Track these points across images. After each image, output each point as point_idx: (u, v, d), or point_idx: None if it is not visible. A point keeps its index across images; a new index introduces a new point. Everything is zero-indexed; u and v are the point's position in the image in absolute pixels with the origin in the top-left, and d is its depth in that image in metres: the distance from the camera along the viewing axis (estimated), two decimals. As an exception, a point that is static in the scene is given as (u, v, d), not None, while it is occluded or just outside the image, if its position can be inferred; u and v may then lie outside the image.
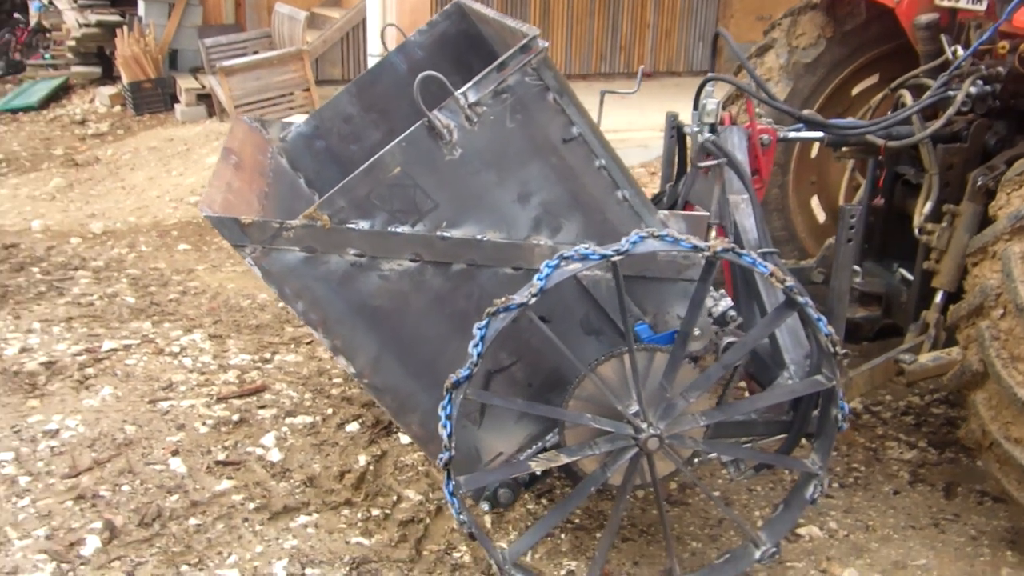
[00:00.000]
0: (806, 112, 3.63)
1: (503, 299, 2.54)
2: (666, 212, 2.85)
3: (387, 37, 3.79)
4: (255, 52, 9.20)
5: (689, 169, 3.82)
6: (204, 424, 3.97)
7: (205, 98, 9.56)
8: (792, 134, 3.62)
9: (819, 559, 3.26)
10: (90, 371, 4.40)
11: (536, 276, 2.55)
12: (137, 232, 6.71)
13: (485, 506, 2.90)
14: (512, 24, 2.85)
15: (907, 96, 3.63)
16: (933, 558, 3.30)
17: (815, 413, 2.99)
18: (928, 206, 3.62)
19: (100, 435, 3.85)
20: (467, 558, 3.18)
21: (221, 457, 3.72)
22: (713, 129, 3.49)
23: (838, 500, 3.62)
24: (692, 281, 2.83)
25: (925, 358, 3.41)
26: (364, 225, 2.55)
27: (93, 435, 3.84)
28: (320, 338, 2.67)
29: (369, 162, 2.52)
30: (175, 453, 3.74)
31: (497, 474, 2.76)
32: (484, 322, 2.54)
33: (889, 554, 3.32)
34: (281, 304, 5.37)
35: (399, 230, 2.58)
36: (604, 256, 2.56)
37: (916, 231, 3.64)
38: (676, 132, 3.87)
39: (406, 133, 2.51)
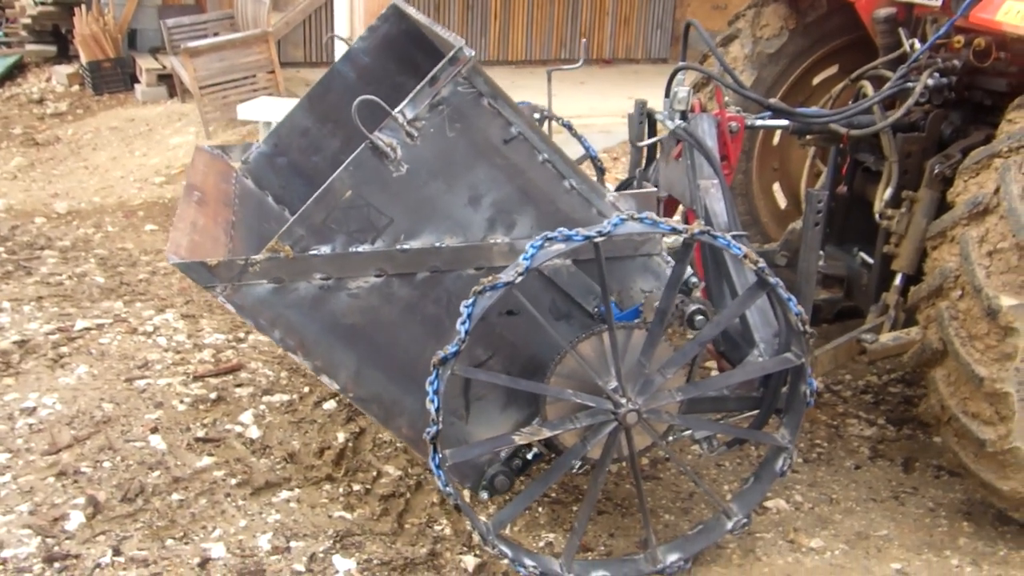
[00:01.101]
0: (773, 101, 3.76)
1: (490, 278, 2.63)
2: (615, 194, 2.94)
3: (338, 47, 3.87)
4: (215, 34, 9.14)
5: (659, 155, 3.94)
6: (182, 402, 4.00)
7: (166, 78, 9.47)
8: (759, 122, 3.74)
9: (786, 530, 3.40)
10: (64, 350, 4.40)
11: (522, 256, 2.64)
12: (103, 212, 6.67)
13: (484, 495, 3.02)
14: (441, 33, 2.93)
15: (868, 87, 3.78)
16: (894, 529, 3.47)
17: (784, 390, 3.13)
18: (888, 192, 3.78)
19: (78, 413, 3.86)
20: (448, 531, 3.27)
21: (200, 434, 3.76)
22: (684, 116, 3.61)
23: (803, 475, 3.78)
24: (649, 256, 2.95)
25: (886, 338, 3.57)
26: (325, 249, 2.65)
27: (71, 413, 3.86)
28: (300, 361, 2.77)
29: (321, 190, 2.61)
30: (154, 430, 3.77)
31: (481, 447, 2.85)
32: (471, 300, 2.63)
33: (852, 525, 3.47)
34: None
35: (360, 249, 2.68)
36: (587, 237, 2.66)
37: (876, 216, 3.80)
38: (647, 119, 3.98)
39: (352, 157, 2.60)
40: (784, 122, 3.77)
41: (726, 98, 3.64)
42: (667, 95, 3.63)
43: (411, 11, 3.53)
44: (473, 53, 2.59)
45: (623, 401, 2.83)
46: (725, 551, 3.24)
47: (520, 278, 2.62)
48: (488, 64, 11.24)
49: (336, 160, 3.70)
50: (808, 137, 3.91)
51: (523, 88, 9.80)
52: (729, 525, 3.10)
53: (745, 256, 2.79)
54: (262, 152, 3.77)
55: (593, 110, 8.13)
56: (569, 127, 4.63)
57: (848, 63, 4.52)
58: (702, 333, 2.95)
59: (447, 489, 2.72)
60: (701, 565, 3.14)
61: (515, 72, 10.63)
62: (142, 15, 10.34)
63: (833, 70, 4.72)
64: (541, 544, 3.24)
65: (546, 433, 2.84)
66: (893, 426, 4.19)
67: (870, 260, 4.00)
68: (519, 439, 2.81)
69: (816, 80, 4.74)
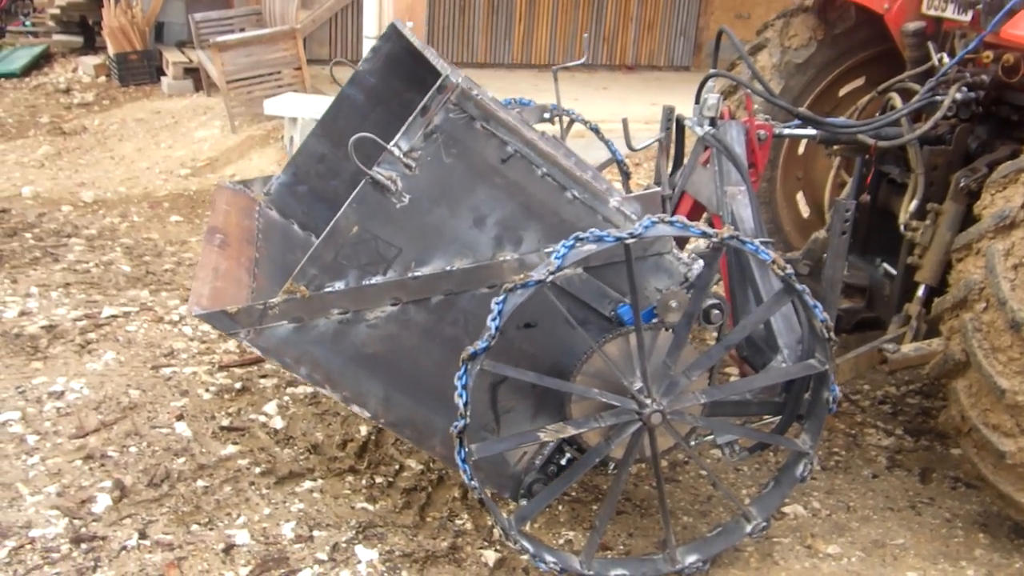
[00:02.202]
0: (802, 110, 3.79)
1: (521, 276, 2.67)
2: (619, 198, 2.95)
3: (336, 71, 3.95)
4: (242, 29, 9.21)
5: (687, 160, 3.98)
6: (207, 391, 4.05)
7: (192, 72, 9.55)
8: (787, 130, 3.77)
9: (804, 536, 3.43)
10: (91, 336, 4.46)
11: (553, 255, 2.68)
12: (128, 202, 6.74)
13: (524, 502, 3.06)
14: (431, 59, 2.97)
15: (897, 99, 3.80)
16: (910, 538, 3.49)
17: (806, 396, 3.15)
18: (913, 204, 3.80)
19: (105, 398, 3.92)
20: (469, 525, 3.31)
21: (225, 423, 3.81)
22: (713, 123, 3.65)
23: (820, 482, 3.80)
24: (660, 255, 2.96)
25: (907, 348, 3.59)
26: (340, 285, 2.71)
27: (98, 398, 3.92)
28: (329, 393, 2.83)
29: (328, 229, 2.68)
30: (180, 418, 3.82)
31: (507, 443, 2.89)
32: (502, 297, 2.66)
33: (869, 533, 3.50)
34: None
35: (373, 281, 2.73)
36: (619, 239, 2.70)
37: (901, 228, 3.82)
38: (676, 125, 4.02)
39: (354, 194, 2.66)
40: (812, 131, 3.80)
41: (755, 106, 3.67)
42: (697, 101, 3.67)
43: (407, 32, 3.57)
44: (459, 79, 2.63)
45: (648, 402, 2.87)
46: (743, 554, 3.27)
47: (552, 276, 2.66)
48: (512, 67, 11.30)
49: (354, 182, 3.86)
50: (835, 147, 3.94)
51: (546, 92, 9.82)
52: (748, 528, 3.13)
53: (773, 262, 2.82)
54: (283, 182, 3.86)
55: (615, 115, 8.13)
56: (596, 131, 4.67)
57: (875, 75, 4.55)
58: (727, 337, 2.98)
59: (472, 483, 2.75)
60: (719, 567, 3.17)
61: (538, 76, 10.68)
62: (169, 9, 10.43)
63: (860, 82, 4.74)
64: (561, 541, 3.28)
65: (571, 431, 2.87)
66: (911, 437, 4.21)
67: (893, 271, 4.02)
68: (544, 436, 2.84)
69: (843, 91, 4.76)
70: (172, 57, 9.71)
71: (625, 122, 4.14)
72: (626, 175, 4.65)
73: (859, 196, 4.21)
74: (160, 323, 4.68)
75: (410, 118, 2.63)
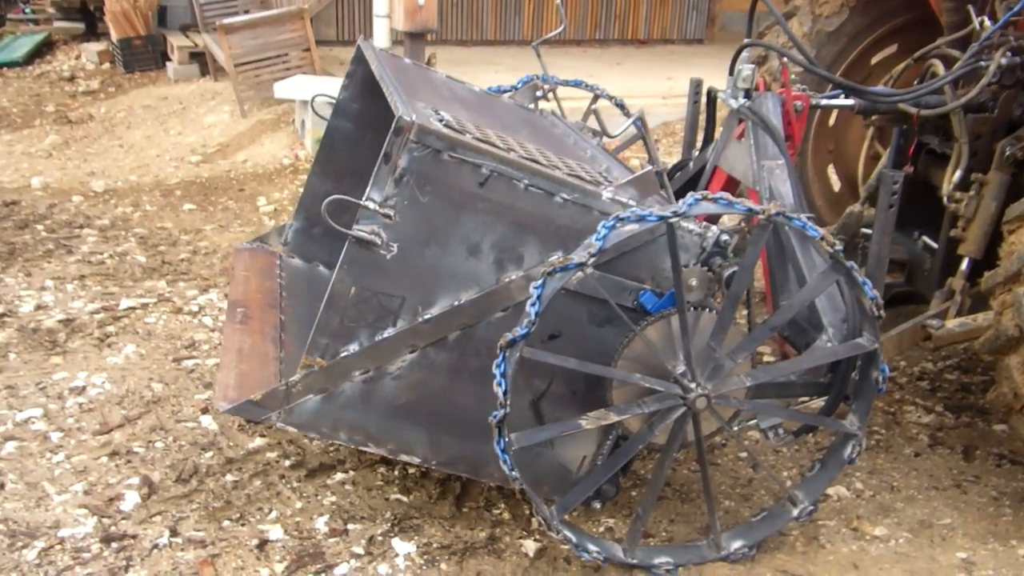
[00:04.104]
0: (842, 79, 3.66)
1: (559, 258, 2.58)
2: (611, 188, 2.81)
3: (317, 106, 3.85)
4: (246, 11, 9.07)
5: (719, 135, 3.86)
6: (231, 383, 3.96)
7: (198, 56, 9.41)
8: (824, 101, 3.65)
9: (849, 518, 3.34)
10: (110, 329, 4.38)
11: (594, 236, 2.58)
12: (140, 191, 6.64)
13: (597, 504, 3.03)
14: (386, 95, 2.86)
15: (939, 66, 3.67)
16: (957, 517, 3.40)
17: (853, 375, 3.05)
18: (957, 175, 3.67)
19: (128, 392, 3.84)
20: (507, 515, 3.22)
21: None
22: (748, 95, 3.53)
23: (862, 462, 3.70)
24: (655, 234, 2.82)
25: (952, 323, 3.48)
26: (354, 347, 2.69)
27: (121, 392, 3.84)
28: (375, 451, 2.84)
29: (326, 296, 2.61)
30: (204, 411, 3.74)
31: (548, 432, 2.79)
32: (540, 281, 2.57)
33: (915, 513, 3.41)
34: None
35: (385, 335, 2.70)
36: (662, 218, 2.59)
37: (944, 199, 3.70)
38: (707, 98, 3.90)
39: (342, 257, 2.60)
40: (849, 102, 3.68)
41: (792, 76, 3.55)
42: (731, 73, 3.54)
43: (369, 57, 3.43)
44: (412, 118, 2.52)
45: (692, 386, 2.77)
46: (788, 538, 3.18)
47: (593, 259, 2.56)
48: (523, 44, 11.12)
49: None
50: (873, 118, 3.81)
51: (557, 68, 9.66)
52: (795, 513, 3.04)
53: (822, 238, 2.72)
54: (297, 228, 3.84)
55: (631, 90, 8.02)
56: (622, 106, 4.54)
57: (908, 42, 4.42)
58: (772, 318, 2.87)
59: (513, 473, 2.67)
60: (764, 552, 3.08)
61: (548, 52, 10.51)
62: (172, -8, 10.31)
63: (892, 49, 4.61)
64: (601, 529, 3.20)
65: (613, 417, 2.78)
66: (951, 413, 4.11)
67: (933, 244, 3.90)
68: (586, 423, 2.74)
69: (875, 60, 4.63)
70: (177, 42, 9.57)
71: (596, 112, 3.95)
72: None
73: (897, 168, 4.08)
74: (179, 314, 4.59)
75: (375, 168, 2.56)
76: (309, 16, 7.84)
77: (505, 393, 2.58)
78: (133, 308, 4.60)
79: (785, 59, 3.60)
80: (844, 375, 3.06)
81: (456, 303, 2.73)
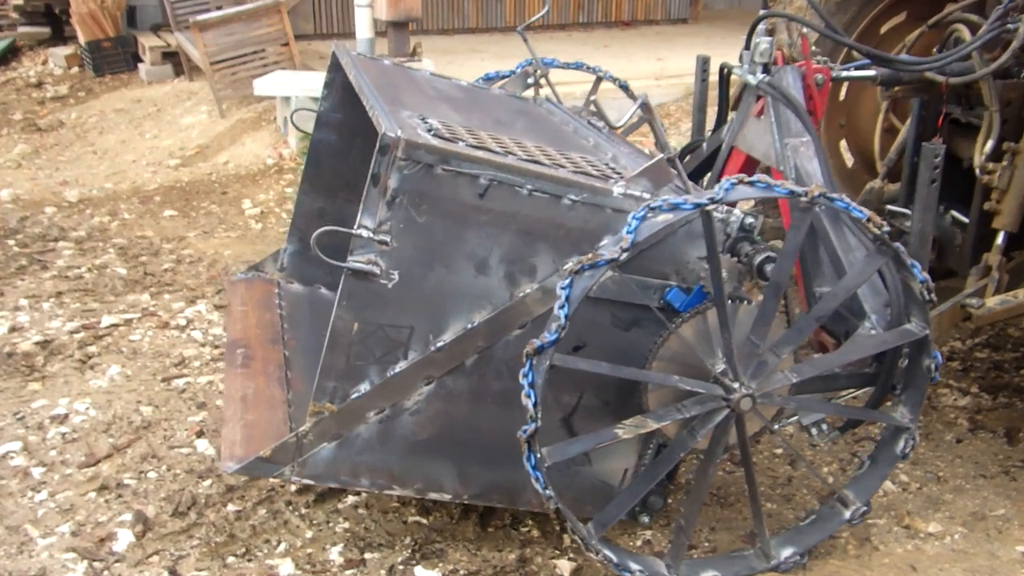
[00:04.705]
0: (871, 49, 3.43)
1: (589, 255, 2.34)
2: (622, 182, 2.56)
3: (298, 120, 3.63)
4: (218, 7, 8.75)
5: (735, 114, 3.63)
6: (225, 401, 3.70)
7: (171, 56, 9.09)
8: (845, 73, 3.42)
9: (899, 514, 3.12)
10: (92, 349, 4.10)
11: (625, 230, 2.34)
12: (117, 199, 6.34)
13: (645, 519, 2.88)
14: (368, 110, 2.65)
15: (964, 32, 3.44)
16: (1011, 507, 3.19)
17: (900, 364, 2.83)
18: (989, 145, 3.45)
19: (114, 418, 3.57)
20: (535, 532, 2.99)
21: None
22: (767, 69, 3.29)
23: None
24: (688, 221, 2.55)
25: (992, 302, 3.26)
26: (364, 387, 2.49)
27: (107, 419, 3.57)
28: (401, 493, 2.65)
29: (328, 336, 2.40)
30: (200, 434, 3.48)
31: (582, 444, 2.55)
32: (567, 281, 2.33)
33: (966, 505, 3.20)
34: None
35: (397, 369, 2.49)
36: (698, 205, 2.36)
37: (977, 171, 3.48)
38: (720, 75, 3.67)
39: (339, 291, 2.39)
40: (871, 72, 3.45)
41: (813, 47, 3.31)
42: (747, 47, 3.31)
43: (346, 64, 3.19)
44: (398, 133, 2.29)
45: (736, 386, 2.54)
46: (839, 541, 2.96)
47: (625, 255, 2.32)
48: (506, 30, 10.84)
49: None
50: (896, 88, 3.58)
51: (547, 54, 9.36)
52: (847, 514, 2.82)
53: (869, 219, 2.49)
54: (292, 251, 3.65)
55: (623, 72, 7.73)
56: (626, 88, 4.31)
57: (917, 10, 4.20)
58: (817, 307, 2.64)
59: (547, 492, 2.43)
60: (815, 558, 2.86)
61: (533, 38, 10.24)
62: (140, -9, 9.97)
63: (900, 18, 4.39)
64: (639, 543, 2.96)
65: (651, 424, 2.54)
66: (988, 394, 3.90)
67: (963, 219, 3.68)
68: (623, 433, 2.51)
69: (884, 28, 4.40)
70: (148, 42, 9.23)
71: (596, 102, 3.72)
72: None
73: (918, 140, 3.86)
74: (166, 329, 4.32)
75: (364, 192, 2.32)
76: (286, 9, 7.54)
77: (535, 405, 2.34)
78: (116, 325, 4.33)
79: (805, 29, 3.36)
80: (891, 364, 2.84)
81: (469, 325, 2.51)
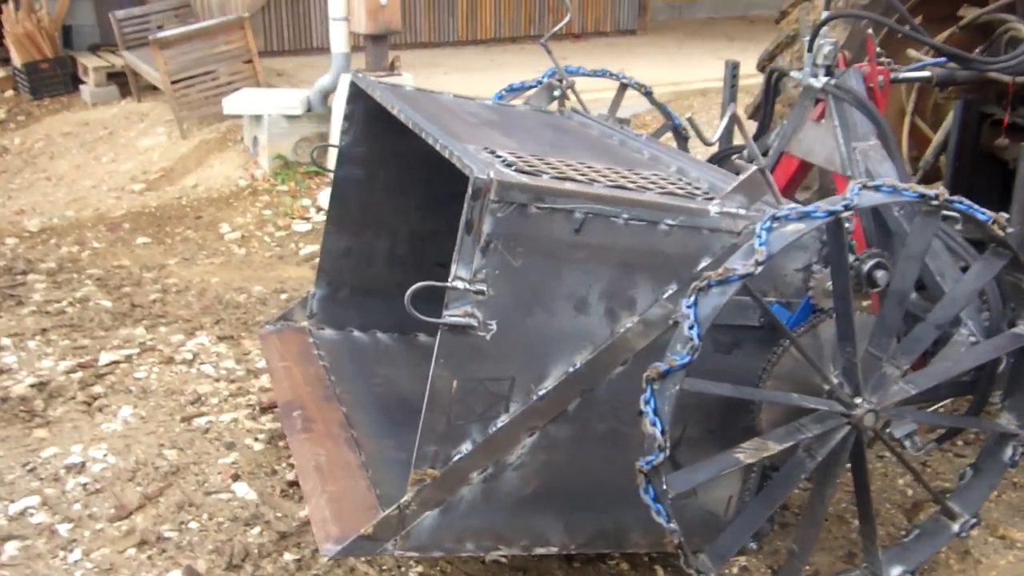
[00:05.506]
0: (948, 47, 3.37)
1: (720, 271, 2.18)
2: (718, 199, 2.44)
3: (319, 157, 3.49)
4: (159, 27, 8.34)
5: (787, 119, 3.53)
6: (256, 440, 3.43)
7: (116, 76, 8.63)
8: (905, 74, 3.37)
9: (990, 524, 3.03)
10: (97, 389, 3.77)
11: (757, 241, 2.18)
12: (82, 227, 5.93)
13: (752, 545, 2.78)
14: (437, 147, 2.47)
15: (1022, 29, 3.42)
16: (1091, 512, 3.14)
17: (1000, 369, 2.75)
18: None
19: (138, 464, 3.26)
20: (624, 565, 2.81)
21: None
22: (830, 72, 3.20)
23: (969, 457, 3.40)
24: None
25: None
26: (467, 447, 2.33)
27: (129, 465, 3.26)
28: (507, 552, 2.53)
29: (426, 397, 2.25)
30: (235, 477, 3.20)
31: (705, 471, 2.38)
32: (692, 299, 2.16)
33: (1050, 512, 3.13)
34: (284, 295, 4.81)
35: (499, 424, 2.34)
36: (831, 212, 2.22)
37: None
38: (767, 80, 3.58)
39: (436, 349, 2.22)
40: (926, 73, 3.41)
41: (878, 49, 3.24)
42: (810, 49, 3.21)
43: (381, 98, 3.03)
44: (491, 176, 2.15)
45: (857, 401, 2.41)
46: (939, 556, 2.85)
47: (760, 268, 2.16)
48: (458, 44, 10.66)
49: (393, 258, 3.45)
50: (949, 89, 3.54)
51: (505, 65, 9.29)
52: (956, 528, 2.71)
53: (993, 221, 2.39)
54: (321, 296, 3.51)
55: (596, 83, 7.67)
56: (649, 95, 4.22)
57: (933, 12, 4.19)
58: (935, 313, 2.53)
59: (671, 525, 2.25)
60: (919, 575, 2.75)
61: (487, 51, 10.11)
62: (77, 10, 9.44)
63: (917, 20, 4.37)
64: (735, 571, 2.80)
65: (772, 446, 2.39)
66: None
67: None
68: (744, 457, 2.35)
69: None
70: (90, 63, 8.76)
71: (691, 119, 3.61)
72: (684, 139, 4.19)
73: (961, 143, 3.83)
74: (172, 364, 4.00)
75: (458, 241, 2.17)
76: (249, 25, 7.23)
77: (663, 432, 2.16)
78: (116, 362, 3.99)
79: (870, 30, 3.28)
80: (991, 371, 2.75)
81: (571, 368, 2.35)
